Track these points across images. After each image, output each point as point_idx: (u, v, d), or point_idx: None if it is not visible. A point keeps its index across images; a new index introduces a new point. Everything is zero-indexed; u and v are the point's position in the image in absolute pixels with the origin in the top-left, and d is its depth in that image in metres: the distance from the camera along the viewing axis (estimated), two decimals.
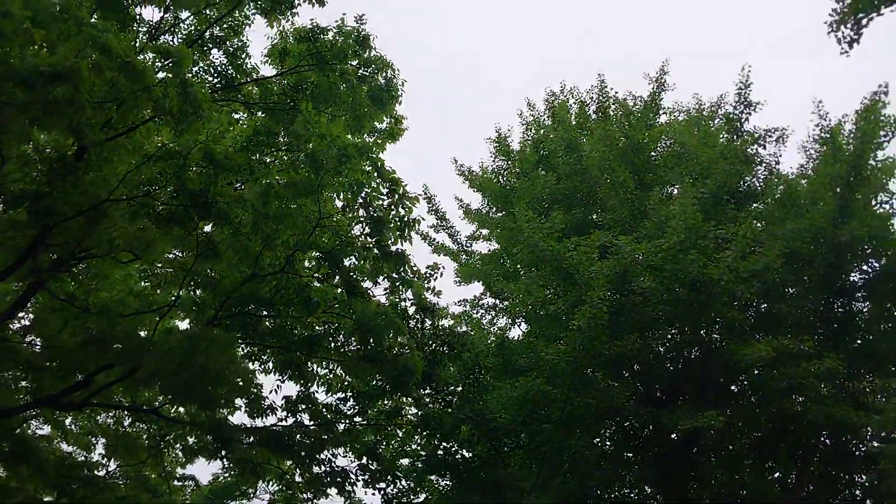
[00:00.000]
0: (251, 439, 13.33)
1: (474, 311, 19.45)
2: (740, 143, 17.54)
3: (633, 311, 14.75)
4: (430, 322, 14.63)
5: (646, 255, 14.65)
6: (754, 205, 17.24)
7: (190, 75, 11.33)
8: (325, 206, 12.48)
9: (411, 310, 14.19)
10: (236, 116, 13.64)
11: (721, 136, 18.01)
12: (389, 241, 12.65)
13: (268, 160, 12.72)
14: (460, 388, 15.44)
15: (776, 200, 16.98)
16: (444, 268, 14.16)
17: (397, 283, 13.50)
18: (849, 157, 15.60)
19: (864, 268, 16.04)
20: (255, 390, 13.57)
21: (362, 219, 12.72)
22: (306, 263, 13.68)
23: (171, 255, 13.72)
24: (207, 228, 12.27)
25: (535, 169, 19.38)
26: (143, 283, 14.27)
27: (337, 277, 13.08)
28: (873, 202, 15.83)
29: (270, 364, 13.71)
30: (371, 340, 12.69)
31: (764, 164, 17.84)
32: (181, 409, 13.58)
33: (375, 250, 12.60)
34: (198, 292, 13.31)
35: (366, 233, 12.67)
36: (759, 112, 17.86)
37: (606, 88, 20.12)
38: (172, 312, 13.51)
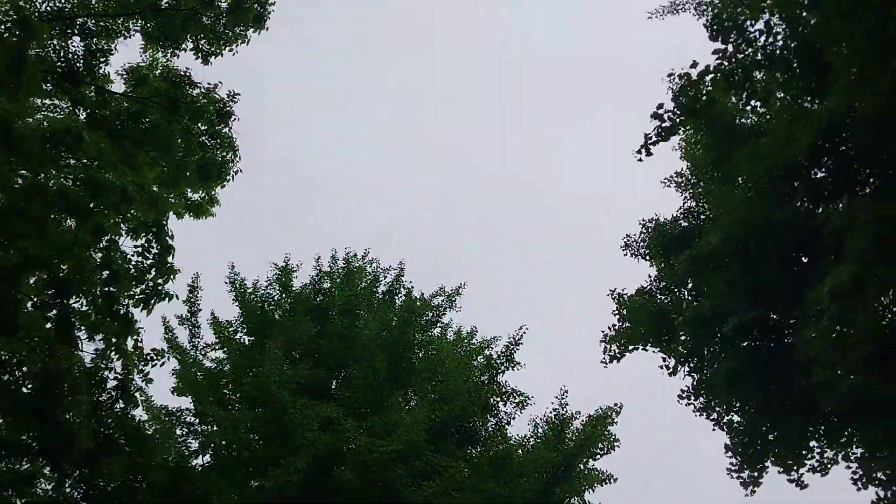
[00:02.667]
0: None
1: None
2: (487, 391, 18.41)
3: None
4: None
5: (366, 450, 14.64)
6: (476, 449, 17.84)
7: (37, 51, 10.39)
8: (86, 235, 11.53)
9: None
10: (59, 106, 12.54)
11: (476, 374, 18.86)
12: (128, 300, 11.88)
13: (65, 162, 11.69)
14: None
15: (490, 457, 17.69)
16: (166, 359, 13.34)
17: (112, 344, 12.51)
18: (566, 451, 16.77)
19: None
20: None
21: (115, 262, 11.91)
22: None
23: None
24: None
25: (306, 314, 19.09)
26: None
27: None
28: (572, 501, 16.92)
29: None
30: None
31: (497, 418, 18.74)
32: None
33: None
34: None
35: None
36: (517, 371, 18.97)
37: (403, 275, 20.66)
38: None
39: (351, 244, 23.18)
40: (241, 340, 18.76)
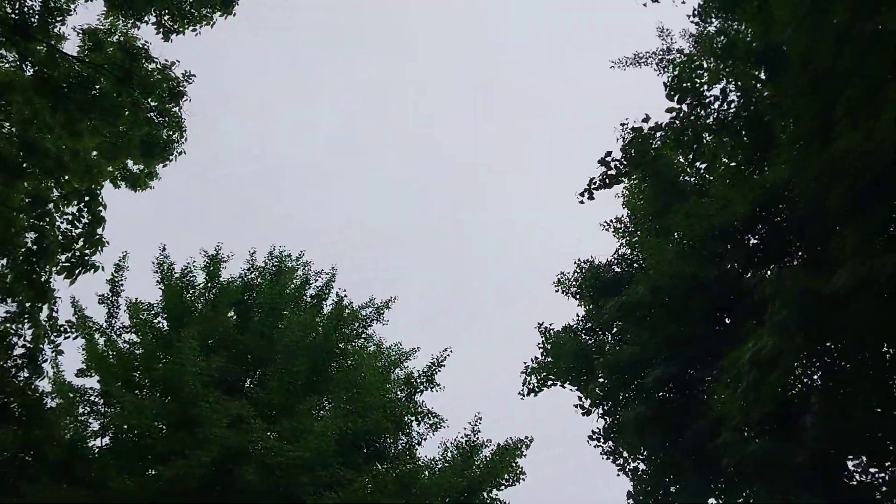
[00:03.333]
0: None
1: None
2: (403, 409, 18.33)
3: None
4: None
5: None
6: (384, 465, 17.72)
7: None
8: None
9: None
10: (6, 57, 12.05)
11: (394, 390, 18.77)
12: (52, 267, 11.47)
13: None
14: None
15: (397, 475, 17.62)
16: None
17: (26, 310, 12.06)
18: (472, 478, 16.82)
19: None
20: None
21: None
22: None
23: None
24: None
25: (229, 307, 18.68)
26: None
27: None
28: None
29: None
30: None
31: (408, 437, 18.67)
32: None
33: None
34: None
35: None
36: (437, 392, 18.94)
37: (334, 280, 20.44)
38: None
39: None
40: (160, 325, 18.22)
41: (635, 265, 17.32)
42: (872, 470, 13.09)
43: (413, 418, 18.50)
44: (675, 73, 13.23)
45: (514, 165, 77.41)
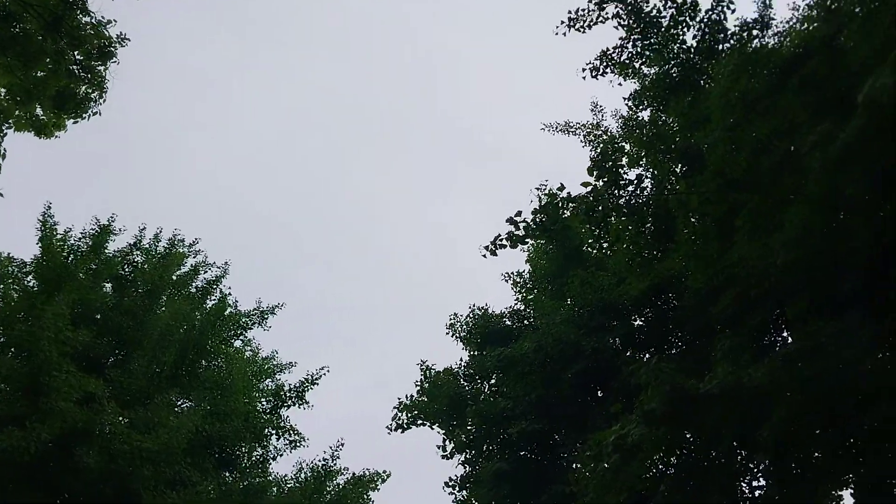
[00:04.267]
0: None
1: None
2: (266, 422, 17.91)
3: None
4: None
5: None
6: (233, 474, 17.22)
7: None
8: None
9: None
10: None
11: (261, 399, 18.38)
12: None
13: None
14: None
15: (244, 487, 17.11)
16: None
17: None
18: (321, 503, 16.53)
19: None
20: None
21: None
22: None
23: None
24: None
25: (106, 280, 17.86)
26: None
27: None
28: None
29: None
30: None
31: (265, 450, 18.24)
32: None
33: None
34: None
35: None
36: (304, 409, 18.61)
37: (225, 276, 19.92)
38: None
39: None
40: (31, 284, 17.14)
41: (526, 322, 17.67)
42: None
43: (274, 432, 18.09)
44: (598, 151, 13.72)
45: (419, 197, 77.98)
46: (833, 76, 10.19)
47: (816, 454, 11.40)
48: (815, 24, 11.19)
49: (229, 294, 19.27)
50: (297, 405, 18.38)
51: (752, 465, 12.88)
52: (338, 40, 78.40)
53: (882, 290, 10.54)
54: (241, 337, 19.34)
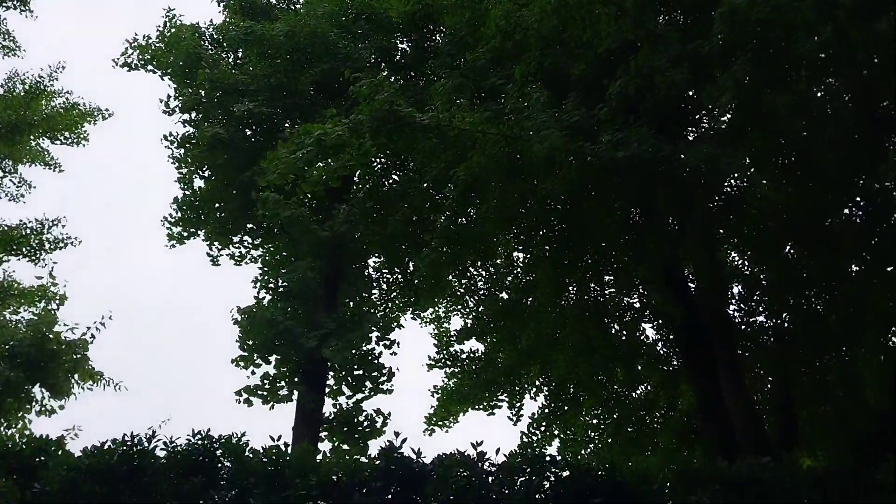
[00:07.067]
0: None
1: None
2: None
3: None
4: None
5: None
6: None
7: None
8: None
9: None
10: None
11: None
12: None
13: None
14: None
15: None
16: None
17: None
18: None
19: None
20: None
21: None
22: None
23: None
24: None
25: None
26: None
27: None
28: None
29: None
30: None
31: None
32: None
33: None
34: None
35: None
36: None
37: None
38: None
39: None
40: None
41: (295, 4, 16.93)
42: None
43: None
44: None
45: None
46: None
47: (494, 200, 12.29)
48: None
49: None
50: (15, 7, 16.47)
51: (444, 201, 13.82)
52: None
53: None
54: None
